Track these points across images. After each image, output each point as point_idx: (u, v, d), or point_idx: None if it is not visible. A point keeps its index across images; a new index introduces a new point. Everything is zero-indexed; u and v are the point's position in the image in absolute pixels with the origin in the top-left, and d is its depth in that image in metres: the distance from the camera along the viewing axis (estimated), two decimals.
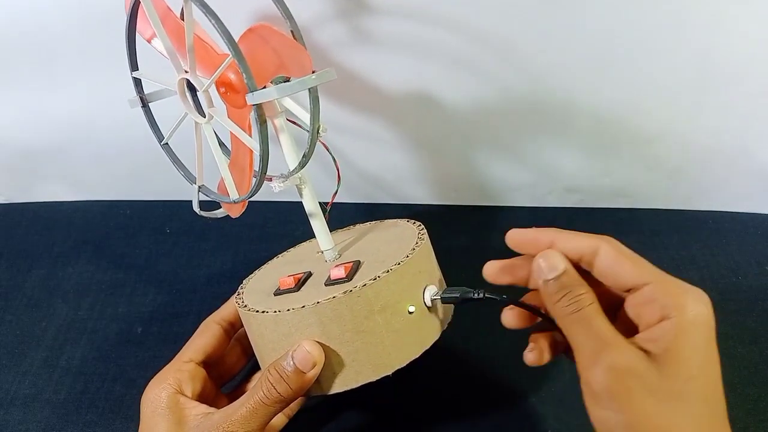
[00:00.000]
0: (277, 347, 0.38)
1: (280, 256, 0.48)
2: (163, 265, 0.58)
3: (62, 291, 0.57)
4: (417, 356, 0.38)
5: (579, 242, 0.35)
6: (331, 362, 0.37)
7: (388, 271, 0.37)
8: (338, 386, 0.38)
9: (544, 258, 0.34)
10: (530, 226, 0.62)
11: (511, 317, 0.37)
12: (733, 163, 0.55)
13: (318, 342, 0.36)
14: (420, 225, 0.43)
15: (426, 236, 0.41)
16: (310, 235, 0.46)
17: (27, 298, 0.56)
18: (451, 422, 0.45)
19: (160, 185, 0.63)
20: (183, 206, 0.64)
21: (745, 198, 0.58)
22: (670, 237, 0.58)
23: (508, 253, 0.57)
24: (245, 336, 0.44)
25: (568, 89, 0.51)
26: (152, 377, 0.41)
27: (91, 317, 0.54)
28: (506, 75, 0.50)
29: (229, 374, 0.45)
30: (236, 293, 0.43)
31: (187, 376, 0.40)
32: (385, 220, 0.47)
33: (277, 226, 0.61)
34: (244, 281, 0.45)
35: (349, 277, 0.38)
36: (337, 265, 0.39)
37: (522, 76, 0.50)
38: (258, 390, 0.36)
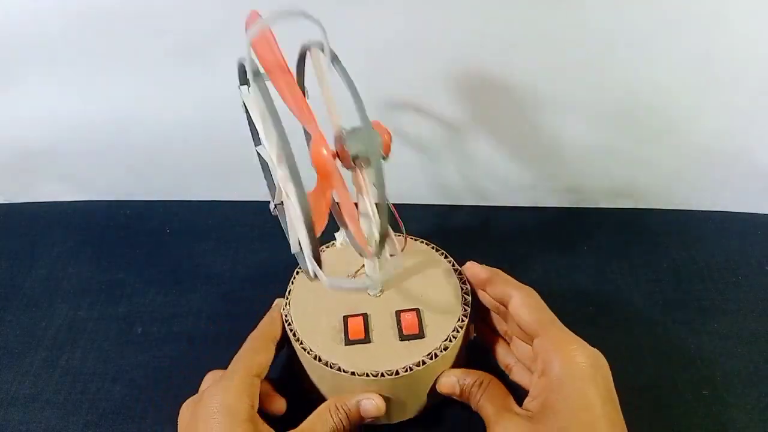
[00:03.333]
0: (340, 391, 0.41)
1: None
2: (163, 265, 0.58)
3: (62, 291, 0.56)
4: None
5: (501, 288, 0.41)
6: None
7: (451, 340, 0.40)
8: (375, 421, 0.41)
9: (445, 382, 0.41)
10: (529, 227, 0.61)
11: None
12: (733, 163, 0.55)
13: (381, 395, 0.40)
14: (452, 262, 0.45)
15: (468, 285, 0.44)
16: None
17: (27, 298, 0.56)
18: (451, 422, 0.45)
19: (160, 185, 0.63)
20: (183, 206, 0.64)
21: (745, 198, 0.58)
22: (670, 237, 0.58)
23: (508, 253, 0.57)
24: None
25: (569, 89, 0.51)
26: (195, 378, 0.42)
27: (91, 317, 0.54)
28: (505, 75, 0.50)
29: None
30: (289, 330, 0.42)
31: (256, 392, 0.39)
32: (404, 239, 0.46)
33: (277, 226, 0.61)
34: (282, 309, 0.43)
35: (421, 333, 0.41)
36: (404, 313, 0.42)
37: (522, 75, 0.50)
38: (329, 421, 0.39)
